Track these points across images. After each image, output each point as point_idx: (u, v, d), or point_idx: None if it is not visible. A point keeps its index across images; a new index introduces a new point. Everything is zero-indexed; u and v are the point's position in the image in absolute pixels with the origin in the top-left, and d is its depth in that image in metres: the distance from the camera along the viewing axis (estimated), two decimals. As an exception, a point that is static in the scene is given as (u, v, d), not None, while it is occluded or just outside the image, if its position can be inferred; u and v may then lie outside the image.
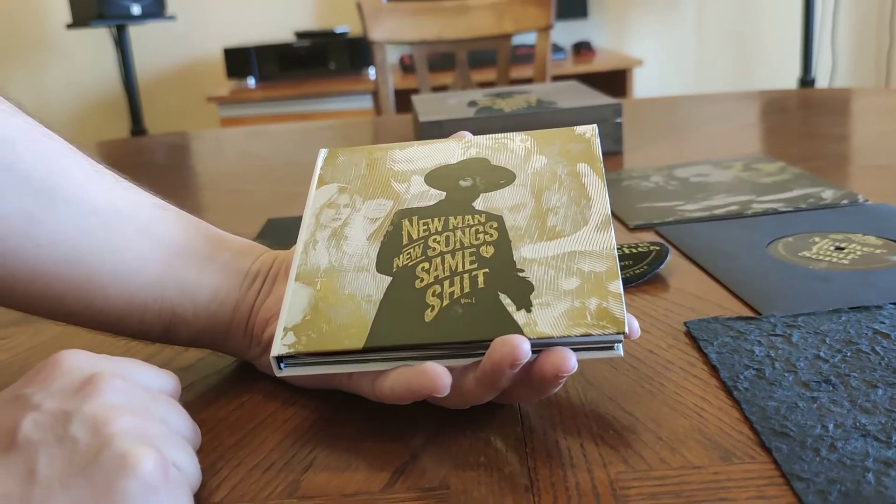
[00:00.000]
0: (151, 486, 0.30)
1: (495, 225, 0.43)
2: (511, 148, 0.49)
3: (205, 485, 0.36)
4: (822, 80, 3.12)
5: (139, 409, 0.33)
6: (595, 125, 0.50)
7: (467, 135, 0.51)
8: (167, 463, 0.31)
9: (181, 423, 0.36)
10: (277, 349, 0.39)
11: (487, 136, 0.50)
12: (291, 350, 0.39)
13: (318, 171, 0.50)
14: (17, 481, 0.29)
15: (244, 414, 0.43)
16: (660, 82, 3.26)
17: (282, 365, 0.40)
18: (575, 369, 0.35)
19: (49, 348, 0.53)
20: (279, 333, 0.40)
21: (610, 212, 0.43)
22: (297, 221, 0.54)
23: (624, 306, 0.37)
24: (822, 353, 0.44)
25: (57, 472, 0.30)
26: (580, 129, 0.50)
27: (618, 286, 0.38)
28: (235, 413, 0.43)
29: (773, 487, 0.33)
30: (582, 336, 0.36)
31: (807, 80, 2.76)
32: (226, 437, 0.41)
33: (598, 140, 0.48)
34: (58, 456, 0.30)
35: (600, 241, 0.41)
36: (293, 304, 0.41)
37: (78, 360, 0.34)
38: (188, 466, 0.34)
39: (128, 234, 0.45)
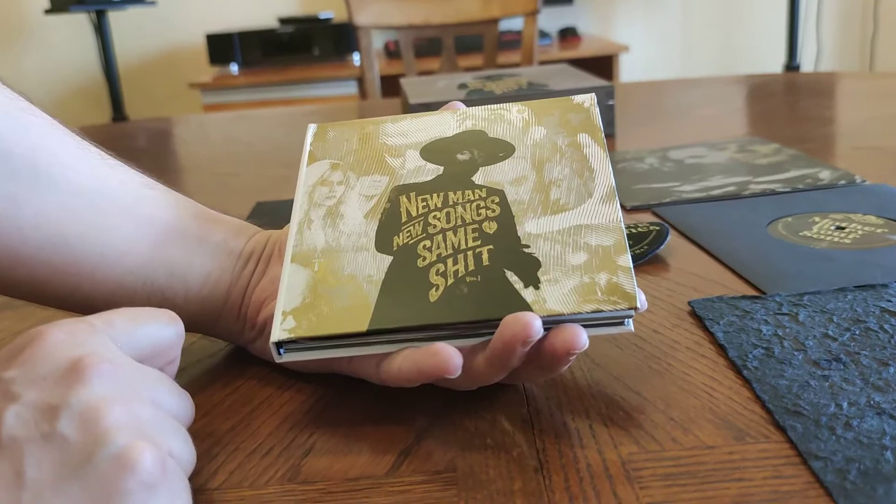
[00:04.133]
0: (150, 484, 0.28)
1: (497, 200, 0.42)
2: (508, 119, 0.47)
3: (201, 471, 0.35)
4: (806, 66, 3.12)
5: (129, 396, 0.31)
6: (593, 94, 0.48)
7: (460, 105, 0.49)
8: (164, 456, 0.29)
9: (173, 402, 0.34)
10: (277, 334, 0.37)
11: (482, 107, 0.49)
12: (292, 335, 0.37)
13: (307, 148, 0.48)
14: (3, 485, 0.27)
15: (239, 398, 0.42)
16: (645, 68, 3.25)
17: (281, 350, 0.38)
18: (586, 346, 0.34)
19: (34, 333, 0.51)
20: (278, 318, 0.38)
21: (614, 183, 0.42)
22: (286, 204, 0.53)
23: (634, 280, 0.36)
24: (830, 332, 0.43)
25: (47, 474, 0.27)
26: (578, 98, 0.48)
27: (627, 260, 0.37)
28: (230, 398, 0.42)
29: (790, 467, 0.32)
30: (593, 312, 0.35)
31: (792, 66, 2.75)
32: (221, 422, 0.39)
33: (598, 109, 0.47)
34: (46, 456, 0.28)
35: (606, 214, 0.40)
36: (291, 286, 0.39)
37: (61, 338, 0.32)
38: (183, 453, 0.32)
39: (114, 215, 0.43)
